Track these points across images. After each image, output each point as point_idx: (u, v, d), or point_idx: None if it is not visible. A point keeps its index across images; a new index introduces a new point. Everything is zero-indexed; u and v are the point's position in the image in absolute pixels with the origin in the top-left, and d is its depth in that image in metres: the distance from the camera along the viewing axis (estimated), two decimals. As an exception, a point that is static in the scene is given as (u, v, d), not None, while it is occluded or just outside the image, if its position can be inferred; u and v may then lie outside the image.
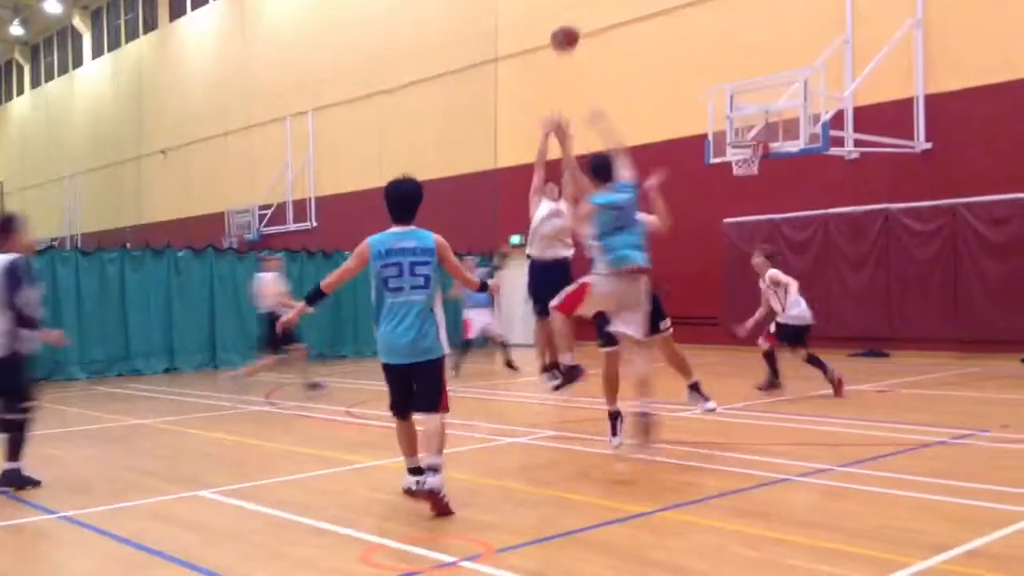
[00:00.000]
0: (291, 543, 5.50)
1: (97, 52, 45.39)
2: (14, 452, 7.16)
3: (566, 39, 8.67)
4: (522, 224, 25.95)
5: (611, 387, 8.24)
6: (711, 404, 9.02)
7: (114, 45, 43.92)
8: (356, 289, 21.50)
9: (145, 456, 8.80)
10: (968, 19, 16.62)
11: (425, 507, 6.00)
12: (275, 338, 12.68)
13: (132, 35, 42.42)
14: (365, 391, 13.91)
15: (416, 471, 6.17)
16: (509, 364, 16.14)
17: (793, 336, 11.67)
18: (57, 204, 46.56)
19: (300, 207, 31.63)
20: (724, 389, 12.62)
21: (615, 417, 8.21)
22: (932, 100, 17.04)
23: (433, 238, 6.40)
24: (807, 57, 16.82)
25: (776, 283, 11.78)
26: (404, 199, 6.47)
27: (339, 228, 28.36)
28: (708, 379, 14.12)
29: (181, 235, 27.65)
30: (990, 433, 8.60)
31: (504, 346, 16.81)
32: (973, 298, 16.37)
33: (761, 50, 18.70)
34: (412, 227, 6.40)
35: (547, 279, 8.85)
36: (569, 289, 7.68)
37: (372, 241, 6.35)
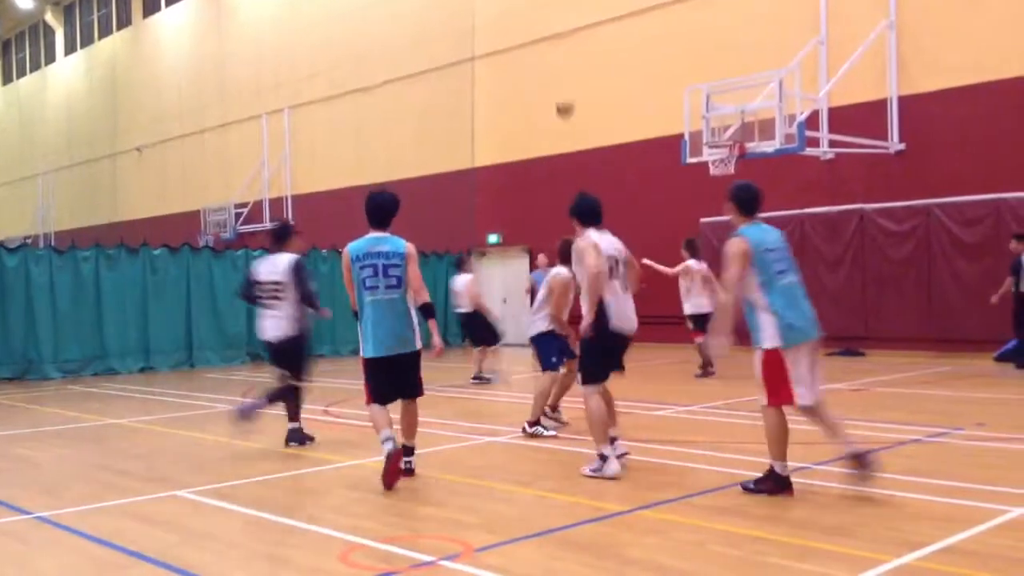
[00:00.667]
0: (269, 543, 5.48)
1: (70, 48, 44.96)
2: (295, 414, 8.94)
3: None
4: (499, 223, 26.09)
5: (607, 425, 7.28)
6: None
7: (87, 41, 43.52)
8: (334, 290, 21.47)
9: (121, 456, 8.74)
10: (941, 21, 16.78)
11: (405, 506, 6.02)
12: (483, 334, 14.76)
13: (105, 31, 42.05)
14: (343, 390, 13.87)
15: (388, 439, 6.82)
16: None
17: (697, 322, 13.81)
18: (30, 202, 46.10)
19: (276, 205, 31.48)
20: (702, 388, 12.69)
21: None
22: (906, 101, 17.19)
23: (405, 245, 7.10)
24: (782, 58, 16.93)
25: (686, 273, 13.47)
26: (381, 209, 7.14)
27: (316, 227, 28.17)
28: (685, 378, 14.26)
29: (157, 233, 27.44)
30: (965, 431, 8.69)
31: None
32: (947, 297, 16.53)
33: (737, 50, 18.80)
34: (387, 233, 7.13)
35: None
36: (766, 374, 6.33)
37: (349, 248, 7.12)
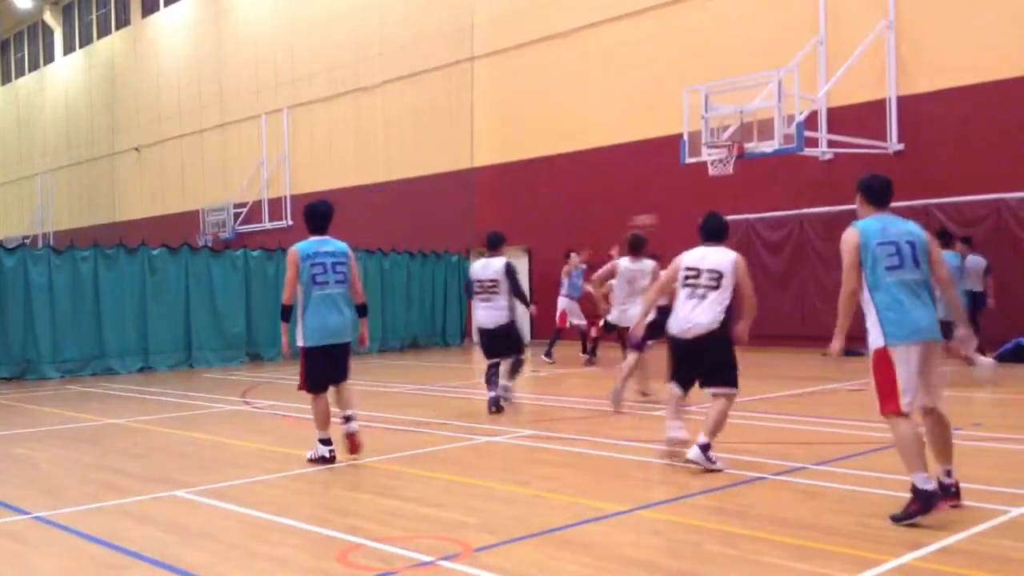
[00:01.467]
0: (268, 543, 5.48)
1: (68, 48, 44.94)
2: (514, 374, 11.03)
3: None
4: (497, 223, 26.07)
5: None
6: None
7: (86, 41, 43.50)
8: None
9: (120, 456, 8.73)
10: (940, 21, 16.79)
11: (404, 506, 6.01)
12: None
13: (104, 31, 42.03)
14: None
15: (327, 442, 7.88)
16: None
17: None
18: (29, 202, 46.10)
19: (276, 205, 31.48)
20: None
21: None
22: (905, 101, 17.20)
23: (347, 247, 8.20)
24: (781, 58, 16.94)
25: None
26: (323, 216, 8.20)
27: (315, 227, 28.24)
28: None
29: (156, 233, 27.44)
30: (963, 431, 8.68)
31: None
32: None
33: (736, 50, 18.81)
34: (327, 236, 8.18)
35: None
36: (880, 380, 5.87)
37: (299, 247, 8.00)
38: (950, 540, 5.11)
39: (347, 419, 7.97)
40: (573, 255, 17.71)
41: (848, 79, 17.07)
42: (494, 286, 10.65)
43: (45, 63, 47.05)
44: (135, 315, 18.45)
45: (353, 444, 7.94)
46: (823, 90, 17.27)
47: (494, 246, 10.92)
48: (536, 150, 23.24)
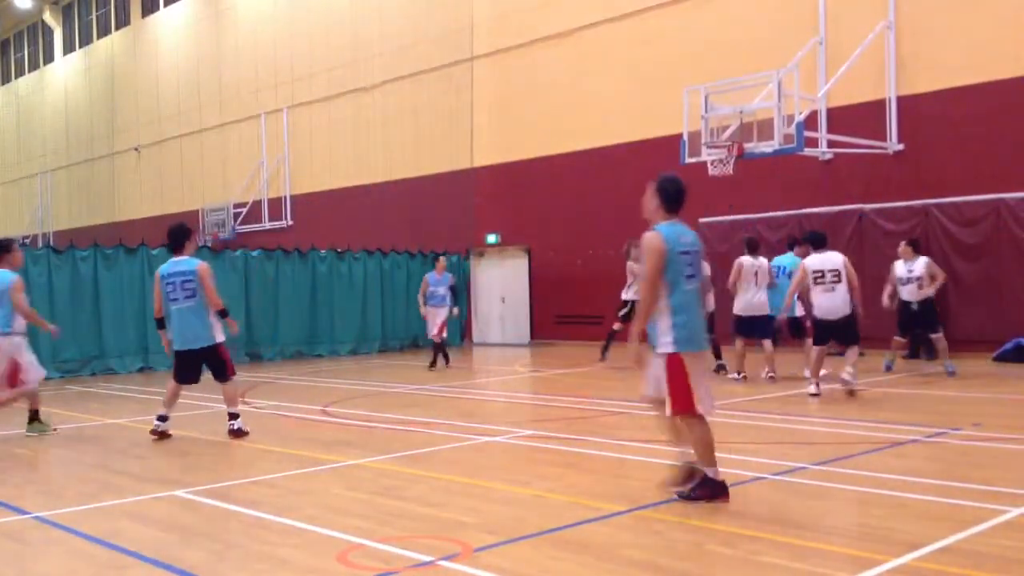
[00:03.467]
0: (268, 543, 5.48)
1: (68, 48, 44.93)
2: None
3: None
4: (497, 223, 26.09)
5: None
6: None
7: (86, 41, 43.49)
8: (332, 291, 21.50)
9: (120, 456, 8.73)
10: (939, 22, 16.78)
11: (404, 506, 6.03)
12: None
13: (104, 31, 42.03)
14: (341, 390, 13.86)
15: (163, 418, 9.48)
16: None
17: None
18: (29, 202, 46.09)
19: (275, 205, 31.48)
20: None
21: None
22: (905, 101, 17.19)
23: (196, 265, 9.46)
24: (781, 58, 16.93)
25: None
26: (174, 237, 9.58)
27: (315, 226, 28.26)
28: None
29: (155, 233, 27.41)
30: (962, 431, 8.69)
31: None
32: (945, 298, 16.50)
33: (736, 51, 18.81)
34: (184, 256, 9.52)
35: None
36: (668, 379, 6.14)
37: (160, 269, 9.56)
38: (950, 540, 5.11)
39: (230, 416, 9.46)
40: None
41: (848, 79, 17.07)
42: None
43: (45, 63, 47.05)
44: (135, 315, 18.44)
45: (238, 435, 9.33)
46: (823, 90, 17.27)
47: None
48: (536, 150, 23.23)
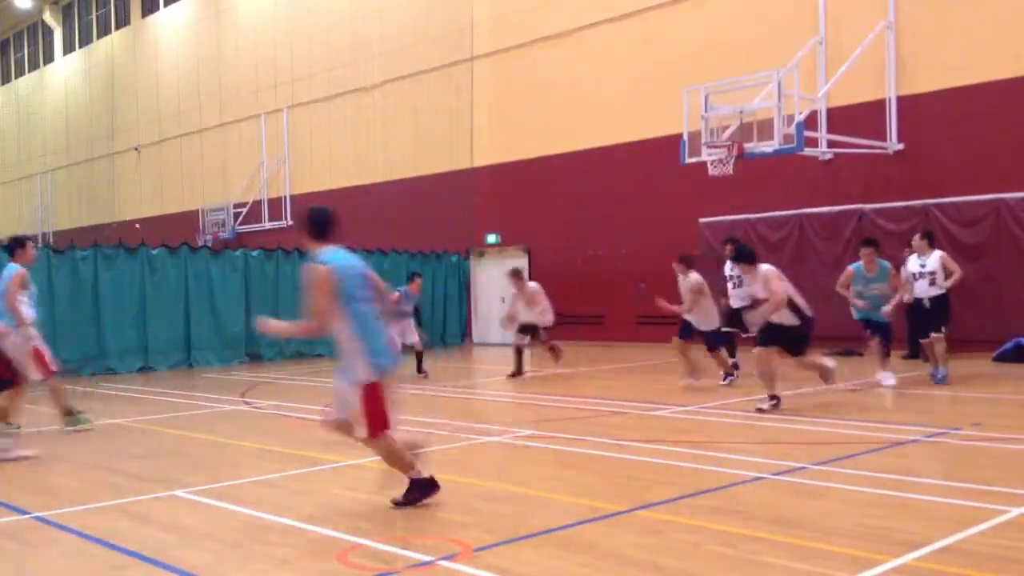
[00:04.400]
0: (267, 543, 5.48)
1: (68, 48, 44.92)
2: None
3: None
4: (497, 223, 26.08)
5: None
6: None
7: (85, 41, 43.48)
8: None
9: (120, 456, 8.73)
10: (939, 22, 16.78)
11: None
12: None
13: (104, 31, 42.02)
14: (341, 390, 13.84)
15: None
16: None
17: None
18: (29, 202, 46.06)
19: (275, 205, 31.47)
20: (700, 389, 12.68)
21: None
22: (905, 101, 17.19)
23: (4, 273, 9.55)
24: (781, 58, 16.92)
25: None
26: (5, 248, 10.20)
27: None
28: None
29: (155, 233, 27.43)
30: (962, 432, 8.69)
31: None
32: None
33: (735, 50, 18.80)
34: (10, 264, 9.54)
35: None
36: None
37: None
38: (950, 540, 5.10)
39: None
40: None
41: (848, 79, 17.06)
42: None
43: (45, 63, 47.05)
44: (135, 315, 18.45)
45: None
46: (823, 90, 17.27)
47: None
48: (535, 150, 23.23)
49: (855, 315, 12.90)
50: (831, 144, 17.39)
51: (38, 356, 9.73)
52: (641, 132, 20.78)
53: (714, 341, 13.06)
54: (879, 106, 17.40)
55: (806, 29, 18.18)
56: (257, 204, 31.99)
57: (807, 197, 18.17)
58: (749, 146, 15.76)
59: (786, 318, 10.48)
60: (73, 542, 5.67)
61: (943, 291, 12.45)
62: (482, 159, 24.72)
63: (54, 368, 10.13)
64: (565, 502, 6.30)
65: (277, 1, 31.66)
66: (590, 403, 11.54)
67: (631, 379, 14.92)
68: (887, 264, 12.67)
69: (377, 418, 6.02)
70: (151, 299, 18.71)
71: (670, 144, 18.10)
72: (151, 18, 38.70)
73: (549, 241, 22.88)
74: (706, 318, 12.96)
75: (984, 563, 4.74)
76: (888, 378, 12.41)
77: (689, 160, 16.87)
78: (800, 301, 10.66)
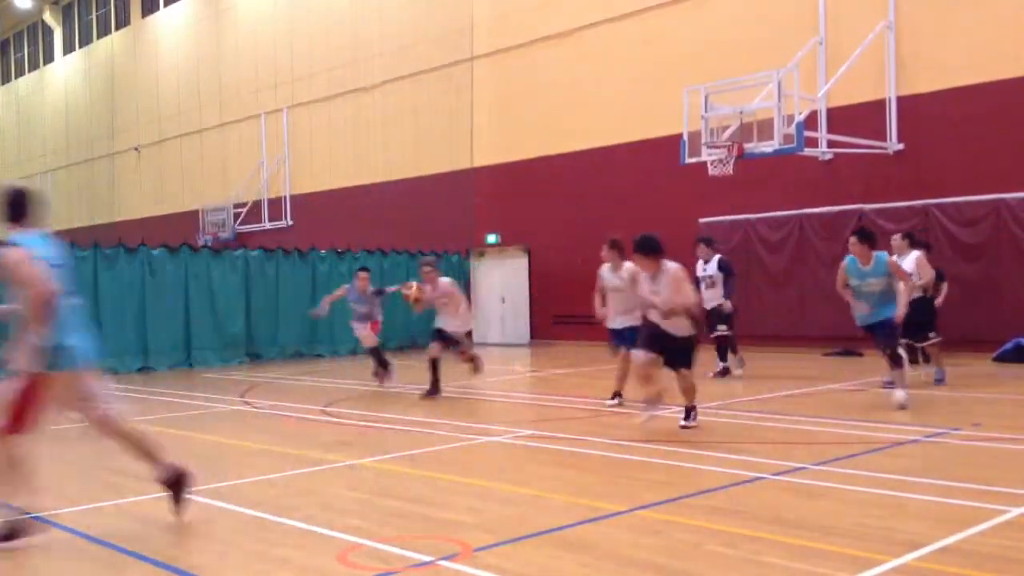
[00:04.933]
0: (268, 543, 5.48)
1: (68, 48, 44.93)
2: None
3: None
4: (497, 223, 26.08)
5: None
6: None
7: (85, 41, 43.49)
8: (332, 291, 21.45)
9: (120, 456, 8.69)
10: (939, 22, 16.78)
11: (403, 506, 6.03)
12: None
13: (104, 31, 42.02)
14: (341, 390, 13.86)
15: None
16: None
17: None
18: (28, 201, 46.00)
19: (275, 205, 31.48)
20: (699, 389, 12.67)
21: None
22: (905, 101, 17.19)
23: None
24: (781, 58, 16.93)
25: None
26: None
27: (315, 226, 28.27)
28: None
29: (155, 233, 27.44)
30: (961, 432, 8.69)
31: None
32: (946, 297, 16.51)
33: (735, 51, 18.80)
34: None
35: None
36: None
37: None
38: (950, 540, 5.10)
39: None
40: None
41: (848, 79, 17.06)
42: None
43: (45, 63, 47.05)
44: (135, 315, 18.46)
45: None
46: (823, 90, 17.27)
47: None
48: (535, 150, 23.24)
49: (857, 322, 10.91)
50: (831, 144, 17.39)
51: None
52: (641, 132, 20.79)
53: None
54: (879, 106, 17.40)
55: (806, 29, 18.18)
56: (257, 204, 32.00)
57: (807, 197, 18.18)
58: (749, 146, 15.77)
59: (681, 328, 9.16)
60: (73, 542, 5.67)
61: (923, 293, 12.09)
62: (482, 159, 24.72)
63: None
64: (565, 502, 6.29)
65: (277, 1, 31.67)
66: (590, 403, 11.53)
67: (631, 379, 14.87)
68: (884, 255, 10.59)
69: (22, 416, 5.59)
70: (151, 299, 18.72)
71: (670, 144, 18.11)
72: (151, 18, 38.70)
73: (549, 241, 22.88)
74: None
75: (984, 563, 4.74)
76: (900, 397, 10.24)
77: (689, 160, 16.87)
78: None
